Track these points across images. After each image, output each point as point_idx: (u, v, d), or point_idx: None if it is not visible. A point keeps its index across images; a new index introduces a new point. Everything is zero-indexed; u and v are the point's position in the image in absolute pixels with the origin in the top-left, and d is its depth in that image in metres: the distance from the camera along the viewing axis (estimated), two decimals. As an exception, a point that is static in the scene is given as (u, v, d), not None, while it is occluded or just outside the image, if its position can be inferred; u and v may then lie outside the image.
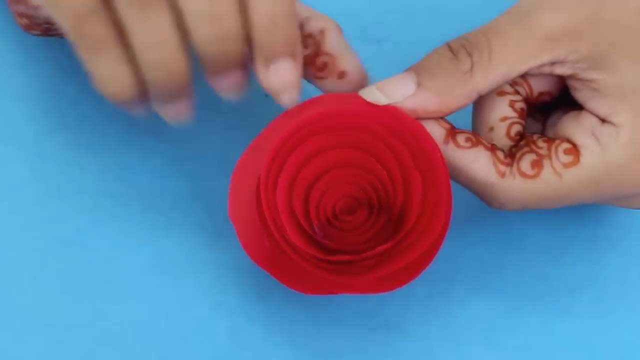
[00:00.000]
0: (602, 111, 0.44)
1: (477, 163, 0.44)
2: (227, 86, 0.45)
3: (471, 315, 0.50)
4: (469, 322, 0.49)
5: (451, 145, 0.44)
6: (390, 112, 0.44)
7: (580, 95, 0.45)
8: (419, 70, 0.44)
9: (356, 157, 0.44)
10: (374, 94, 0.44)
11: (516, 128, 0.46)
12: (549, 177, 0.44)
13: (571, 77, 0.45)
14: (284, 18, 0.42)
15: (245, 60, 0.44)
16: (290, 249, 0.43)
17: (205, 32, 0.42)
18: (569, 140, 0.44)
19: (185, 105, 0.45)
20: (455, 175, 0.45)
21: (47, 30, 0.48)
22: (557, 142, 0.44)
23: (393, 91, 0.44)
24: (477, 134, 0.45)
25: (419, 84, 0.44)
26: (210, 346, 0.49)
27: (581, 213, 0.52)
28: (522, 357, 0.49)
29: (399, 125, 0.43)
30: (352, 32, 0.51)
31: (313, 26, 0.46)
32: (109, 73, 0.42)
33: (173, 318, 0.49)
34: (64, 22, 0.41)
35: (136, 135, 0.52)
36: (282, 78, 0.43)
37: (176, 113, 0.45)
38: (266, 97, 0.47)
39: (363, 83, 0.46)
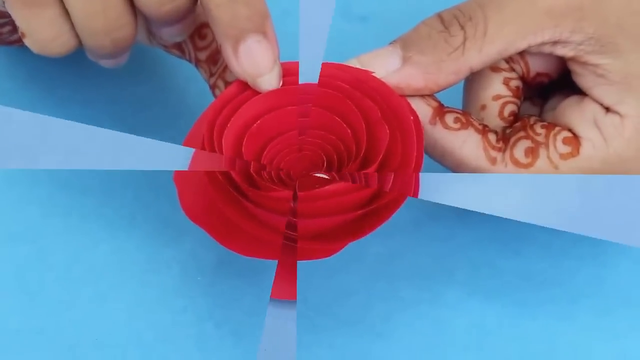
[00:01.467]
0: (607, 100, 0.43)
1: (466, 147, 0.44)
2: (169, 33, 0.46)
3: (464, 323, 0.49)
4: (462, 331, 0.49)
5: (438, 127, 0.44)
6: (353, 74, 0.43)
7: (584, 80, 0.44)
8: (405, 43, 0.43)
9: (319, 115, 0.42)
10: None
11: (510, 108, 0.45)
12: (543, 167, 0.43)
13: (574, 59, 0.44)
14: None
15: (191, 10, 0.44)
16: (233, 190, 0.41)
17: None
18: (569, 129, 0.44)
19: (123, 58, 0.46)
20: (442, 157, 0.45)
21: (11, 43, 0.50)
22: (556, 129, 0.44)
23: (376, 65, 0.43)
24: (468, 114, 0.45)
25: (405, 59, 0.43)
26: (174, 355, 0.48)
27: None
28: (520, 368, 0.49)
29: (363, 84, 0.43)
30: (334, 9, 0.52)
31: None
32: (48, 32, 0.43)
33: (133, 324, 0.48)
34: None
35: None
36: (254, 59, 0.42)
37: (112, 64, 0.46)
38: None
39: None
